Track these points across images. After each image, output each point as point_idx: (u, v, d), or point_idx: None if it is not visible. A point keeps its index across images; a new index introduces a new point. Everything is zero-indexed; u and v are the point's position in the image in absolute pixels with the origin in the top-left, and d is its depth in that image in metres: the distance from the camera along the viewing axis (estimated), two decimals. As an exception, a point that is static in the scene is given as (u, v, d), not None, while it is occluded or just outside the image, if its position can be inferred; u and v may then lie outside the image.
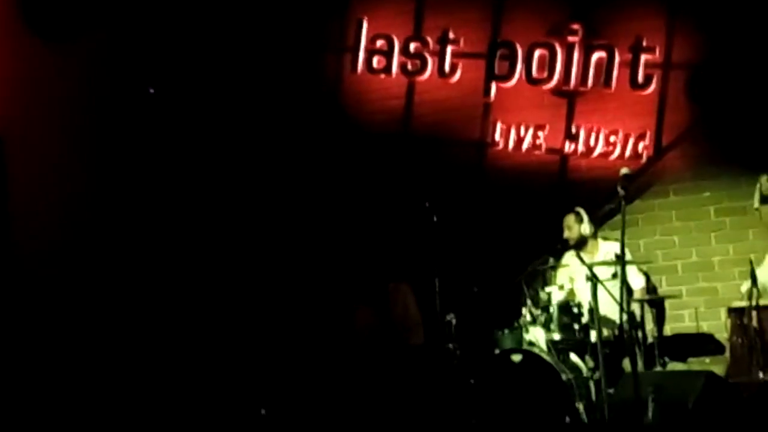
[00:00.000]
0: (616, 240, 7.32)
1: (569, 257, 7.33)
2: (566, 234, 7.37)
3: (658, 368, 6.64)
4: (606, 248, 7.19)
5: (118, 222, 8.04)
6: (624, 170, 5.93)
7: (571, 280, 7.09)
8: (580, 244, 7.30)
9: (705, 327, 7.36)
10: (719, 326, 7.25)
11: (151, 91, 8.52)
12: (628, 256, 6.65)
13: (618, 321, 6.87)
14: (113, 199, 8.10)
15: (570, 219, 7.38)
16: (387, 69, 8.50)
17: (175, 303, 8.06)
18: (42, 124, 7.65)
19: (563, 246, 7.36)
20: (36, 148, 7.57)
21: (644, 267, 7.42)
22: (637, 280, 7.19)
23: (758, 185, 6.63)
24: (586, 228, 7.32)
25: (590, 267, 6.52)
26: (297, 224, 8.41)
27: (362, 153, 8.47)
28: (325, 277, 8.17)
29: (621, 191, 5.85)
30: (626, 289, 6.43)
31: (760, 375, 6.09)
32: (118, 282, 7.86)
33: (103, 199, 8.06)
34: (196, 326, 8.02)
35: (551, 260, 7.22)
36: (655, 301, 7.21)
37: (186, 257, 8.24)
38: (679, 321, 7.58)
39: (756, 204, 6.90)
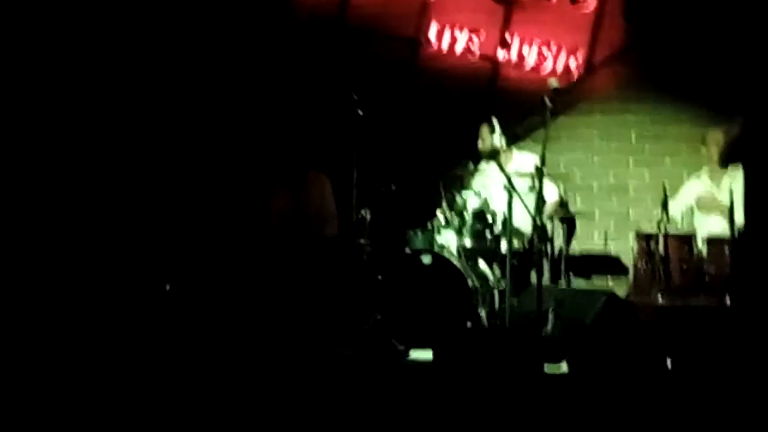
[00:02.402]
0: (530, 152, 7.38)
1: (489, 164, 7.34)
2: (480, 144, 7.36)
3: (563, 284, 6.76)
4: (520, 160, 7.19)
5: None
6: (553, 82, 5.93)
7: (486, 187, 7.11)
8: (493, 155, 7.28)
9: (613, 248, 7.50)
10: (626, 249, 7.38)
11: None
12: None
13: (529, 233, 6.98)
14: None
15: (484, 130, 7.34)
16: (327, -45, 8.31)
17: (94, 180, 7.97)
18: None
19: (478, 156, 7.36)
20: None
21: (561, 183, 7.48)
22: (550, 193, 7.20)
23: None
24: (497, 139, 7.28)
25: (508, 177, 6.52)
26: (223, 102, 8.27)
27: (294, 38, 8.30)
28: (246, 158, 8.09)
29: (548, 103, 5.84)
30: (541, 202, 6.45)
31: (659, 299, 6.22)
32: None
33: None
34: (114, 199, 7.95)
35: (470, 165, 7.22)
36: (566, 218, 7.25)
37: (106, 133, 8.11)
38: (589, 240, 7.71)
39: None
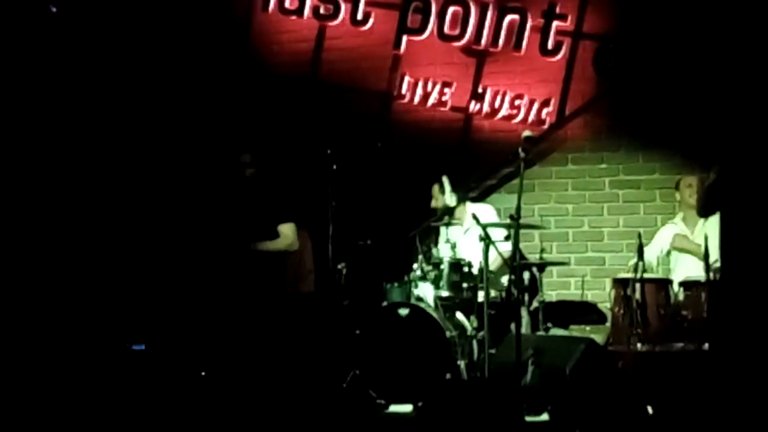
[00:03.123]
0: (485, 203, 7.51)
1: (462, 216, 7.34)
2: (432, 203, 7.39)
3: (541, 333, 6.74)
4: (473, 210, 7.16)
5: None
6: (526, 133, 5.96)
7: (458, 239, 7.11)
8: (446, 212, 7.27)
9: (590, 296, 7.48)
10: (603, 296, 7.39)
11: (54, 9, 8.22)
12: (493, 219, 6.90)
13: (504, 283, 6.99)
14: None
15: (435, 189, 7.38)
16: (299, 11, 8.38)
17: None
18: None
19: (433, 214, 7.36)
20: None
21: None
22: (504, 245, 7.02)
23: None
24: (448, 198, 7.30)
25: (484, 227, 6.52)
26: (198, 158, 8.27)
27: (268, 93, 8.34)
28: (222, 216, 8.06)
29: (522, 153, 5.87)
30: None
31: (638, 346, 6.21)
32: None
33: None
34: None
35: (445, 217, 7.23)
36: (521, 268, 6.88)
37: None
38: (566, 288, 7.73)
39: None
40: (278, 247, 6.71)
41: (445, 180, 7.29)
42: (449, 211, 7.24)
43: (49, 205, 7.98)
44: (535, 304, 6.92)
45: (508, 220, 7.02)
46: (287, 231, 6.75)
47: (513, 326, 6.78)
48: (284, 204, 6.84)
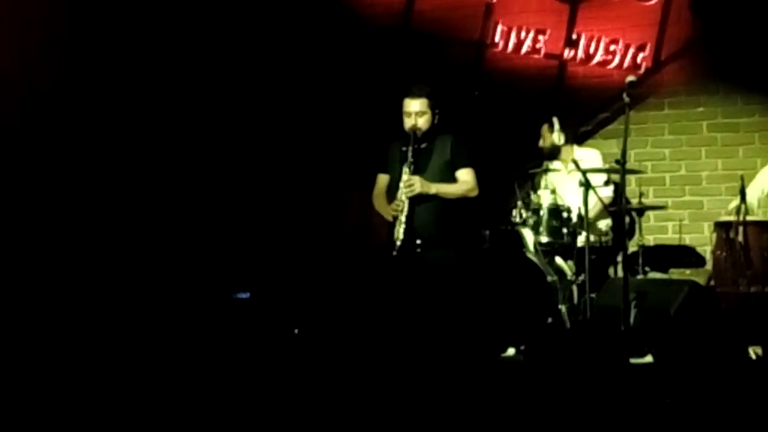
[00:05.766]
0: (591, 148, 7.49)
1: (560, 162, 7.39)
2: (540, 142, 7.43)
3: (641, 276, 6.79)
4: (579, 155, 7.19)
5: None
6: (630, 78, 5.95)
7: (557, 184, 7.17)
8: (554, 152, 7.34)
9: (687, 240, 7.51)
10: (701, 239, 7.43)
11: None
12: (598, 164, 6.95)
13: (603, 228, 7.04)
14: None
15: (544, 128, 7.40)
16: (392, -39, 8.42)
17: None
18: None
19: (540, 154, 7.42)
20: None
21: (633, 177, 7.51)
22: (604, 190, 7.02)
23: None
24: (557, 137, 7.33)
25: (584, 172, 6.57)
26: (293, 112, 8.39)
27: (360, 45, 8.41)
28: (317, 165, 8.21)
29: (626, 98, 5.87)
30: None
31: (742, 287, 6.23)
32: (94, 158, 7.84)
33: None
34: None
35: (544, 164, 7.28)
36: (616, 213, 6.87)
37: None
38: (663, 232, 7.74)
39: None
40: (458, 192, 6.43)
41: (555, 120, 7.32)
42: (556, 150, 7.29)
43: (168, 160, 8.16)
44: (633, 248, 6.98)
45: (609, 165, 7.11)
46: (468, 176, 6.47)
47: (612, 270, 6.92)
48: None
